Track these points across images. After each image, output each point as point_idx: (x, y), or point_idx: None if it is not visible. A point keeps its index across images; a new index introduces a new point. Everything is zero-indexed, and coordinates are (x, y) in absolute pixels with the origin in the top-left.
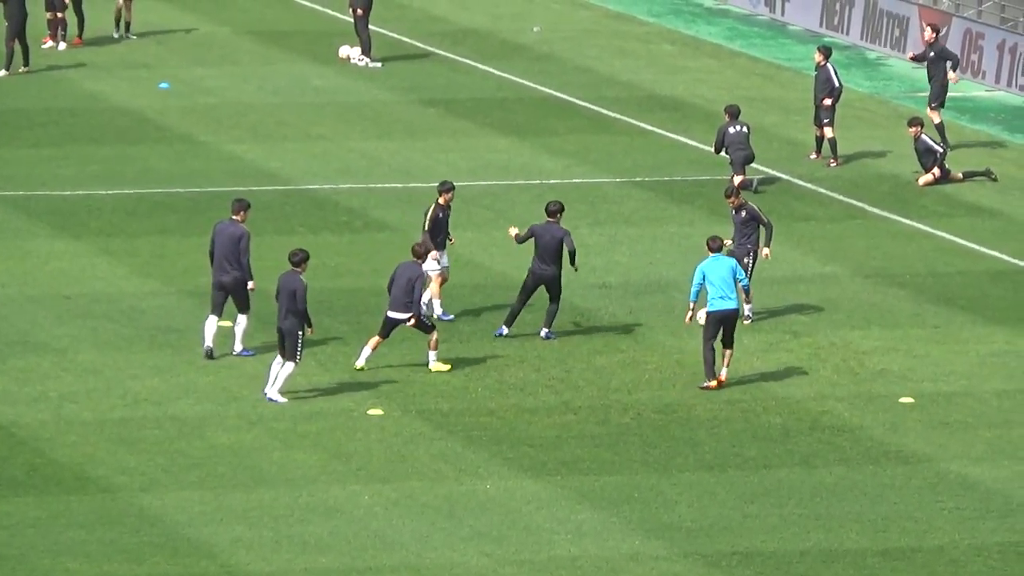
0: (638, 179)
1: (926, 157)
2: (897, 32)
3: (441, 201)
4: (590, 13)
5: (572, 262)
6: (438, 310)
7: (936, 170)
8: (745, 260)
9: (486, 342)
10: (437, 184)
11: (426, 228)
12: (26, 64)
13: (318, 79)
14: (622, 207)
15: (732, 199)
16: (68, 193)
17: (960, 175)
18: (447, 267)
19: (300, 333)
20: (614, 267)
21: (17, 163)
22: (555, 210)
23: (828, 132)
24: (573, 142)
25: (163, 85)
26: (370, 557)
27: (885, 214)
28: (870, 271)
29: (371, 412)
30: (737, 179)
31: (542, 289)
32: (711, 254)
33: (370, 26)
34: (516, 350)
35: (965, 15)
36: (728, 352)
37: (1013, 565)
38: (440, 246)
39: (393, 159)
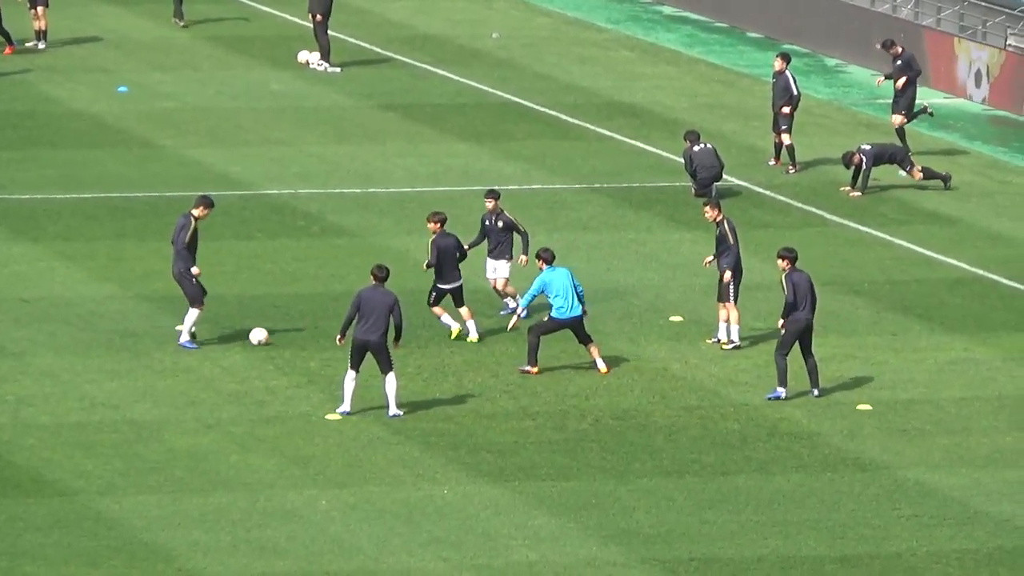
0: (596, 185)
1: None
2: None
3: (487, 207)
4: (549, 19)
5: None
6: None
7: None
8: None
9: (444, 347)
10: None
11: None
12: None
13: (277, 84)
14: (580, 213)
15: (712, 211)
16: (26, 197)
17: (920, 173)
18: (504, 278)
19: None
20: (572, 273)
21: None
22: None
23: (786, 139)
24: (532, 147)
25: (122, 89)
26: (327, 562)
27: (843, 221)
28: (828, 279)
29: (329, 417)
30: (696, 193)
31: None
32: (546, 266)
33: (329, 31)
34: (474, 356)
35: (924, 23)
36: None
37: (970, 572)
38: (492, 254)
39: (352, 164)
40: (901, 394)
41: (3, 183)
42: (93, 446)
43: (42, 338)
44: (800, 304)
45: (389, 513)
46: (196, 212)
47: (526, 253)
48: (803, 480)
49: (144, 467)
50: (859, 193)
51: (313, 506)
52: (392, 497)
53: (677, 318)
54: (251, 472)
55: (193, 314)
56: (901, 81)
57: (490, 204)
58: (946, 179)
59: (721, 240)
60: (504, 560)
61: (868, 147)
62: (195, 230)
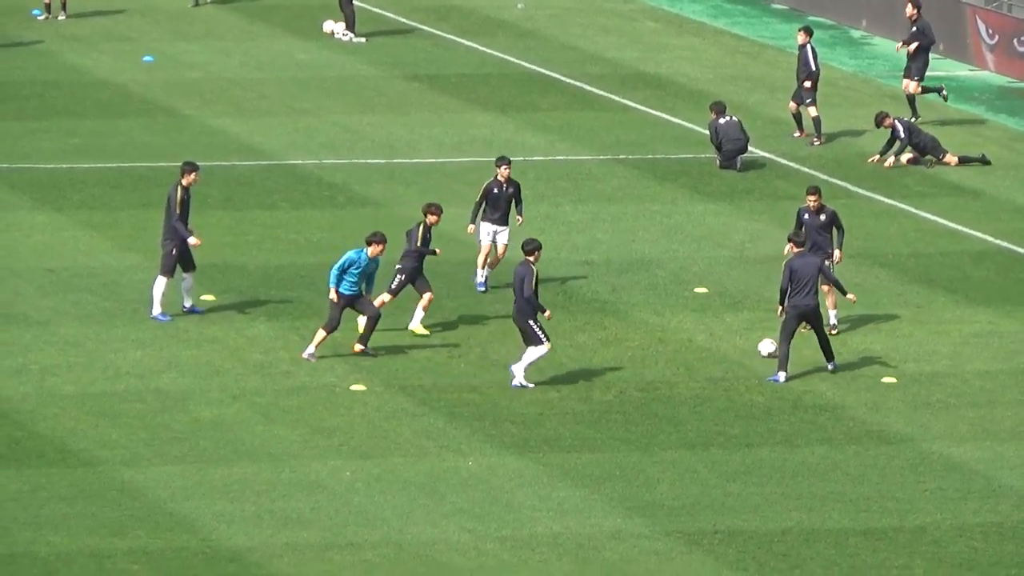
0: (621, 156)
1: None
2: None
3: (499, 176)
4: None
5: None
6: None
7: (908, 153)
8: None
9: (469, 318)
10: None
11: (476, 199)
12: None
13: (301, 54)
14: (605, 184)
15: (814, 198)
16: (51, 166)
17: (955, 158)
18: (505, 244)
19: (531, 321)
20: (596, 245)
21: None
22: (803, 241)
23: (812, 111)
24: (556, 118)
25: (147, 58)
26: (351, 533)
27: (868, 194)
28: (853, 251)
29: (353, 387)
30: (721, 165)
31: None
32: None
33: (354, 1)
34: (499, 327)
35: None
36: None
37: (995, 546)
38: (498, 221)
39: (376, 134)
40: (926, 367)
41: (27, 152)
42: (118, 416)
43: (66, 307)
44: (802, 289)
45: (413, 484)
46: (184, 180)
47: (522, 214)
48: (827, 453)
49: (169, 437)
50: (888, 162)
51: (337, 477)
52: (416, 468)
53: (702, 290)
54: (276, 443)
55: (161, 283)
56: (912, 46)
57: (506, 172)
58: (983, 160)
59: (827, 226)
60: (528, 531)
61: (903, 119)
62: (182, 199)
